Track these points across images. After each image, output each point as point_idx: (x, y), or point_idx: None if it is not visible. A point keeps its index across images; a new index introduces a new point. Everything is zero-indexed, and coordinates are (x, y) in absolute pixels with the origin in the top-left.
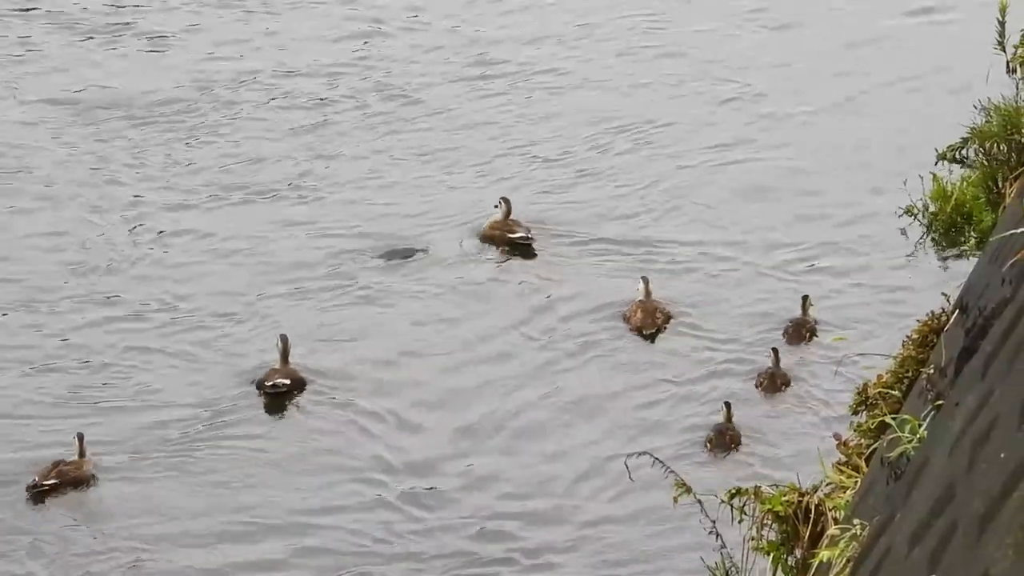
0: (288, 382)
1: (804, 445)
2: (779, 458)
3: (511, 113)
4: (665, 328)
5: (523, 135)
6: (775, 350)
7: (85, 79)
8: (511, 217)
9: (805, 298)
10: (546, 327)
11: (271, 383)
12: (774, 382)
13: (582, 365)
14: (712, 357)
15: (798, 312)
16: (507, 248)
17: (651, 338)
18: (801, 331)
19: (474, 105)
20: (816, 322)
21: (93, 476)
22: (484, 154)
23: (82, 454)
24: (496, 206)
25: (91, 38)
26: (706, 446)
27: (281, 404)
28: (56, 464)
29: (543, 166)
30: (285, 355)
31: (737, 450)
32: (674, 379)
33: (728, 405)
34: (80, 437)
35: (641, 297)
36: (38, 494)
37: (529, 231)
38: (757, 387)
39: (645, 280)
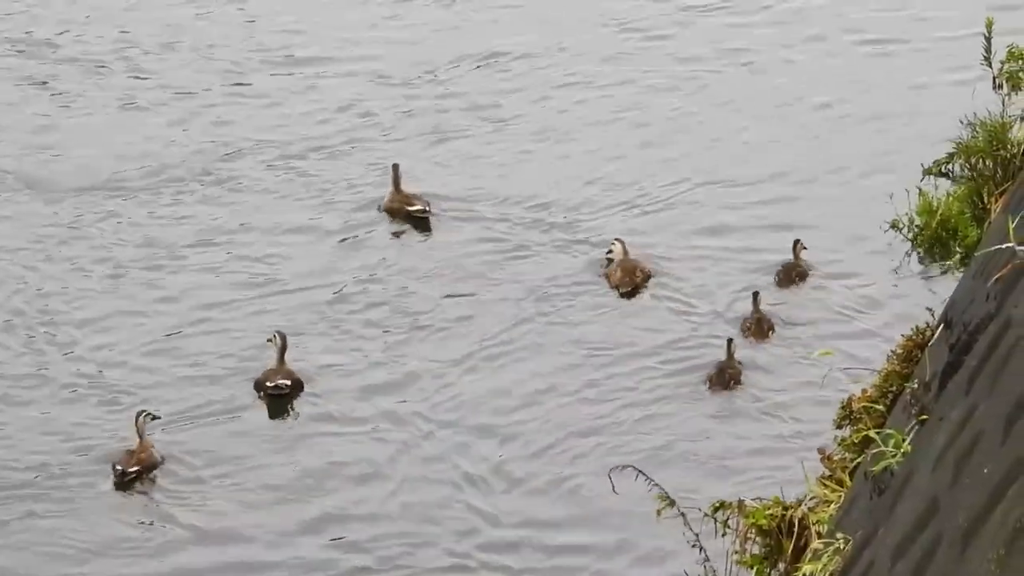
0: (289, 383)
1: (799, 392)
2: (777, 404)
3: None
4: (645, 286)
5: (491, 171)
6: (756, 294)
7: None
8: (408, 190)
9: (797, 242)
10: (529, 299)
11: (272, 384)
12: (761, 327)
13: (564, 324)
14: (697, 310)
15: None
16: (407, 221)
17: (629, 295)
18: (791, 274)
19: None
20: (807, 265)
21: (163, 460)
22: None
23: (140, 434)
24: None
25: None
26: (706, 383)
27: (283, 408)
28: (131, 453)
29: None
30: (282, 353)
31: (735, 389)
32: (659, 331)
33: (730, 342)
34: (138, 416)
35: (619, 258)
36: (126, 483)
37: (427, 204)
38: (744, 333)
39: (620, 241)
